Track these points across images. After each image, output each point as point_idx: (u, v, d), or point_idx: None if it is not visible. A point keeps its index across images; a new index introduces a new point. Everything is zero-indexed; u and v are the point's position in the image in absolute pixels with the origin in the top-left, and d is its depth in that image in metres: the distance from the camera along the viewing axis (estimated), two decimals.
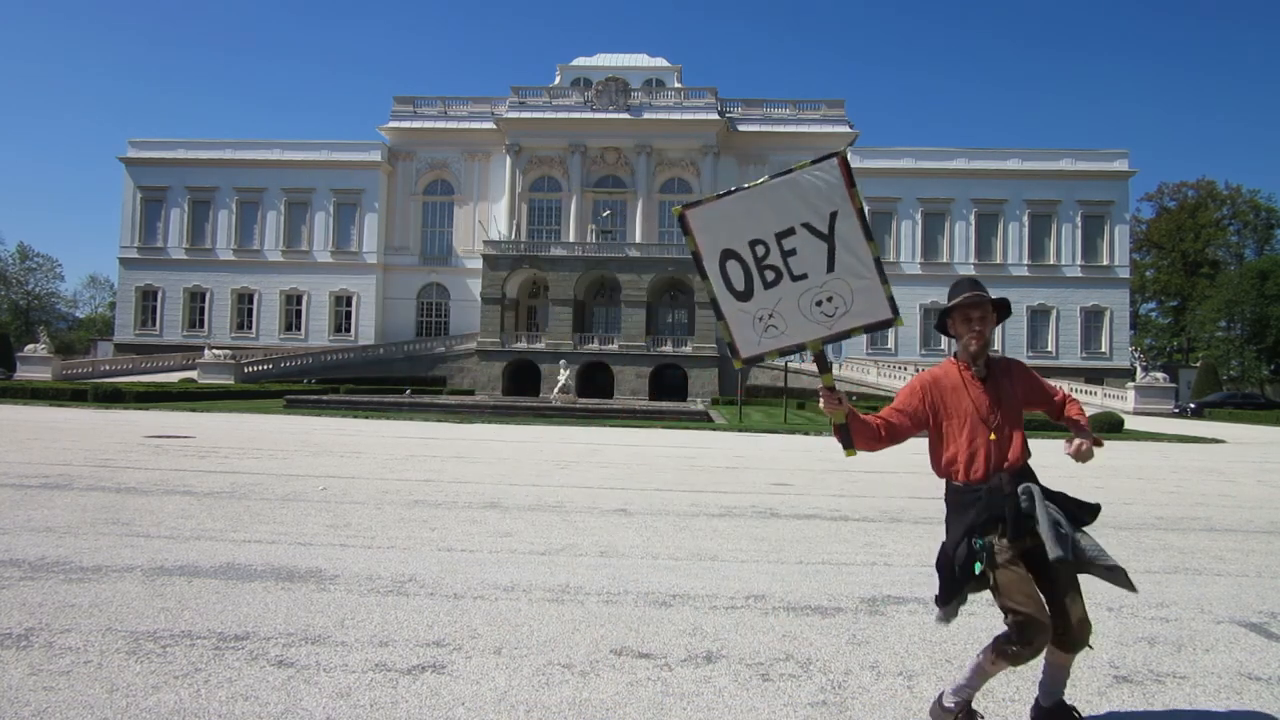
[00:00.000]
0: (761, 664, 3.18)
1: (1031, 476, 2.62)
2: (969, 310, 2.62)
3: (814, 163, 2.61)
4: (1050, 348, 46.37)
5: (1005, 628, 2.43)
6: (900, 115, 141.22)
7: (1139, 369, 37.68)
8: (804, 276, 2.55)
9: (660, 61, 53.65)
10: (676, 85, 50.86)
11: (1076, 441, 2.65)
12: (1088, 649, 2.56)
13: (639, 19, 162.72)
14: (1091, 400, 35.91)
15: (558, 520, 6.37)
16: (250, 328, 49.75)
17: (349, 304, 49.68)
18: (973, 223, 47.09)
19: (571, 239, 46.99)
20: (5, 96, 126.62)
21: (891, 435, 2.74)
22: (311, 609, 3.76)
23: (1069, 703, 2.65)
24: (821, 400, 2.60)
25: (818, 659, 3.27)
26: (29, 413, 18.76)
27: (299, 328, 49.63)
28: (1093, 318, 46.71)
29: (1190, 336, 62.34)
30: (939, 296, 46.57)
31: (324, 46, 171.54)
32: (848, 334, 2.60)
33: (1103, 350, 46.45)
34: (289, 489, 7.59)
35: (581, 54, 54.57)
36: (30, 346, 41.09)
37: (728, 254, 2.61)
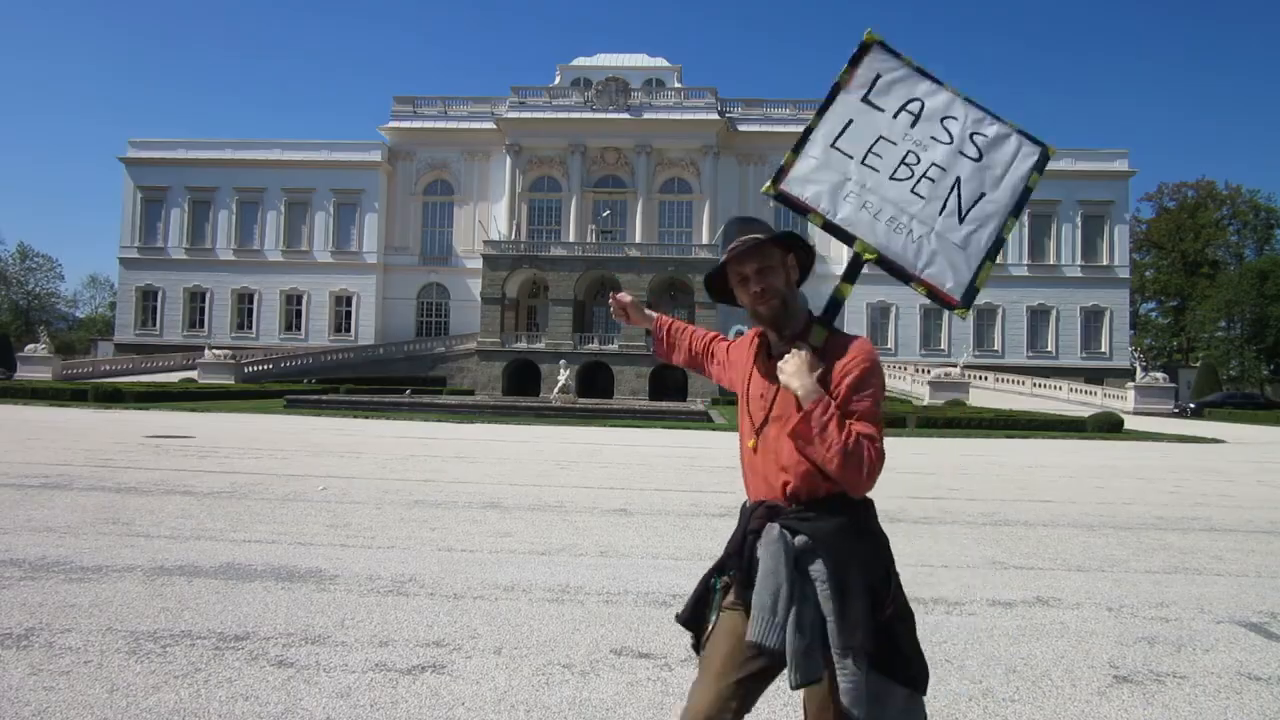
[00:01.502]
0: None
1: (824, 515, 1.68)
2: (740, 266, 1.83)
3: (1031, 143, 2.17)
4: (1050, 348, 46.36)
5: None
6: None
7: (1139, 369, 37.68)
8: (922, 197, 2.04)
9: (660, 61, 53.64)
10: (676, 85, 50.84)
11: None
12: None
13: (639, 19, 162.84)
14: (1091, 400, 35.90)
15: (558, 520, 6.37)
16: (250, 328, 49.75)
17: (349, 304, 49.67)
18: None
19: (571, 239, 46.98)
20: (5, 96, 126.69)
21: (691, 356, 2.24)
22: (311, 609, 3.76)
23: None
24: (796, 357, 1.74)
25: None
26: (29, 412, 18.76)
27: (299, 328, 49.62)
28: (1093, 318, 46.70)
29: (1190, 336, 62.34)
30: None
31: (324, 46, 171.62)
32: (907, 276, 2.05)
33: (1103, 350, 46.44)
34: (289, 489, 7.59)
35: (581, 54, 54.58)
36: (30, 346, 41.06)
37: (876, 117, 2.09)
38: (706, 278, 1.98)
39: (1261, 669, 3.30)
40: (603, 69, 51.54)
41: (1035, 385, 38.18)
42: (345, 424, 17.71)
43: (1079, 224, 46.80)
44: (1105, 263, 46.71)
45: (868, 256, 2.05)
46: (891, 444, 15.44)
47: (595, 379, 42.82)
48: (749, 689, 1.64)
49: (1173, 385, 37.97)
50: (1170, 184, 68.05)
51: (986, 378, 38.88)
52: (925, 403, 32.10)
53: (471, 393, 39.65)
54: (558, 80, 52.39)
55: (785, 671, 1.59)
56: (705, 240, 46.20)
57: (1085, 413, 24.99)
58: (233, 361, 39.72)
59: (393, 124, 50.73)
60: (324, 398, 25.87)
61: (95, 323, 77.90)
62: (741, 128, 49.22)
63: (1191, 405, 37.92)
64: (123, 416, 18.28)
